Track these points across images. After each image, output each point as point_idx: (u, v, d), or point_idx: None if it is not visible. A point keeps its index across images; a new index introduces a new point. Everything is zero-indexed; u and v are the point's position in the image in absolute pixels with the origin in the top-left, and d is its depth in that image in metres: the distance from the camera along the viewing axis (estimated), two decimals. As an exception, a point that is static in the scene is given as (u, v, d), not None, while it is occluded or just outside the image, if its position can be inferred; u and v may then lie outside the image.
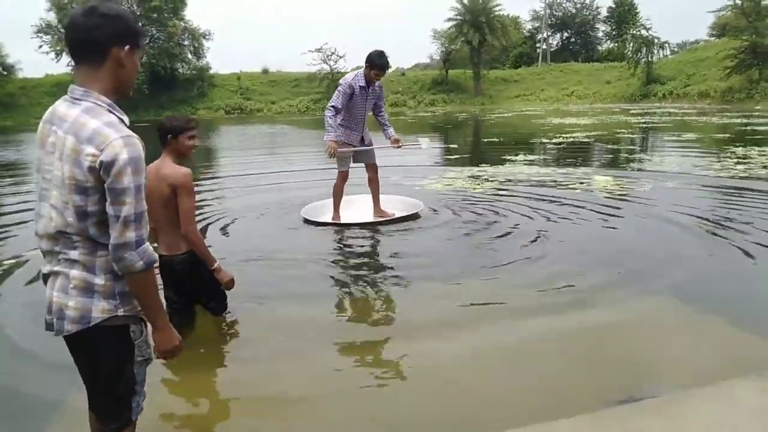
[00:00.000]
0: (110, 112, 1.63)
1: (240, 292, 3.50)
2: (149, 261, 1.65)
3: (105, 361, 1.73)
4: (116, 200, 1.57)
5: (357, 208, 6.22)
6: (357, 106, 5.64)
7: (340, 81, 5.72)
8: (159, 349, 1.81)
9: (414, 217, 6.06)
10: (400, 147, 5.83)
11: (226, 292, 3.41)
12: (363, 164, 5.98)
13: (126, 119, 1.68)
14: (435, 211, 6.41)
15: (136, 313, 1.73)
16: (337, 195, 5.95)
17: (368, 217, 6.01)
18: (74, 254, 1.66)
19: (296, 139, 20.91)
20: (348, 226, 5.77)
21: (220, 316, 3.47)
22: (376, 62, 5.48)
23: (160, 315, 1.75)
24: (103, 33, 1.60)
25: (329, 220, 5.91)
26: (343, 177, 5.87)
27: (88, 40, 1.61)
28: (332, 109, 5.50)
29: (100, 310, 1.67)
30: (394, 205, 6.29)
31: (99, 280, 1.66)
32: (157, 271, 2.59)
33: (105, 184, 1.57)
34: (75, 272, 1.66)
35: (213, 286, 3.31)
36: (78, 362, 1.78)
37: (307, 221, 5.96)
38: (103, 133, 1.56)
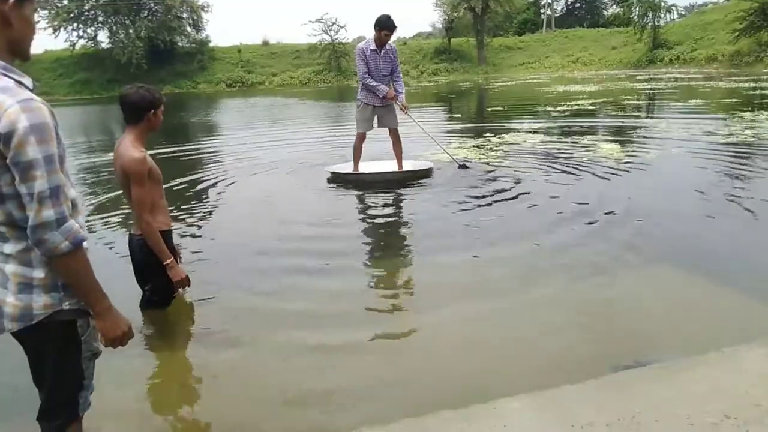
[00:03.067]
0: (5, 75, 1.42)
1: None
2: (76, 240, 1.46)
3: (50, 358, 1.60)
4: (25, 176, 1.37)
5: (377, 167, 6.81)
6: (372, 69, 6.17)
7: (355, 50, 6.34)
8: (105, 338, 1.63)
9: (427, 174, 6.65)
10: (405, 111, 6.34)
11: (182, 289, 3.20)
12: (387, 128, 6.53)
13: (28, 81, 1.47)
14: (440, 175, 6.53)
15: (82, 306, 1.58)
16: (356, 151, 6.57)
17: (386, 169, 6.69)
18: (7, 248, 1.49)
19: (314, 109, 20.73)
20: (367, 177, 6.53)
21: (160, 309, 3.22)
22: (384, 23, 5.99)
23: (99, 299, 1.56)
24: None
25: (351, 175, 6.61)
26: (360, 138, 6.51)
27: None
28: (363, 75, 6.21)
29: (42, 305, 1.52)
30: (407, 166, 6.83)
31: (38, 273, 1.50)
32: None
33: (7, 160, 1.37)
34: (10, 267, 1.50)
35: (160, 279, 3.04)
36: (27, 357, 1.66)
37: (333, 174, 6.70)
38: None
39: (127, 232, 3.30)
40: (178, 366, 2.86)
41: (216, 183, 7.08)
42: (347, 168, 6.77)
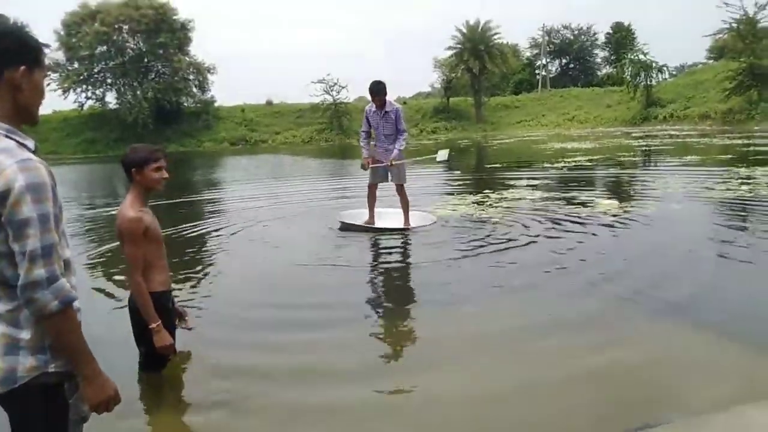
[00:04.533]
0: (8, 137, 1.45)
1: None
2: (65, 299, 1.43)
3: (35, 423, 1.53)
4: (18, 234, 1.37)
5: (385, 220, 7.24)
6: (375, 128, 6.85)
7: None
8: (90, 402, 1.56)
9: (427, 227, 6.91)
10: (391, 164, 6.77)
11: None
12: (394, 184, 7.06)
13: (30, 143, 1.50)
14: (446, 230, 6.63)
15: (69, 369, 1.52)
16: (368, 200, 7.11)
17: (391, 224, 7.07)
18: None
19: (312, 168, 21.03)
20: (372, 230, 6.88)
21: (157, 372, 3.11)
22: (371, 89, 6.66)
23: (87, 362, 1.51)
24: None
25: (362, 223, 7.07)
26: (369, 187, 7.08)
27: None
28: (361, 133, 7.07)
29: (27, 368, 1.47)
30: (413, 219, 7.09)
31: (25, 334, 1.47)
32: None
33: (2, 218, 1.38)
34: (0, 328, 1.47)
35: (149, 341, 2.96)
36: (10, 423, 1.57)
37: (343, 223, 7.11)
38: None
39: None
40: (173, 430, 2.78)
41: (217, 230, 7.11)
42: (358, 216, 7.32)
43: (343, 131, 44.39)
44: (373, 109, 6.78)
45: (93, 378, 1.53)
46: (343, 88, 45.16)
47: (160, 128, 40.10)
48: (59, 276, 1.43)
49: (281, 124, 46.06)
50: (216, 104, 46.71)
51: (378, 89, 6.64)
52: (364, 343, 3.62)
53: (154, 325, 2.91)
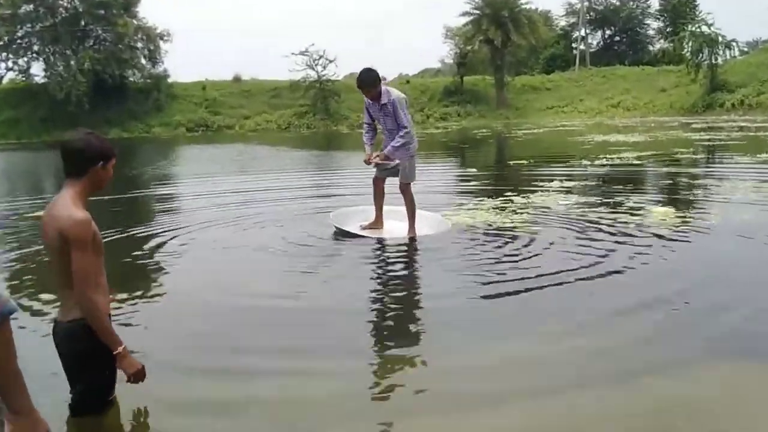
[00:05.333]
0: None
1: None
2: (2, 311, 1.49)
3: None
4: None
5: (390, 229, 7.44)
6: (378, 121, 7.16)
7: None
8: None
9: (437, 237, 7.04)
10: (376, 162, 7.08)
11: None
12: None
13: None
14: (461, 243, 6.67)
15: None
16: (375, 199, 7.38)
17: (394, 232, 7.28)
18: None
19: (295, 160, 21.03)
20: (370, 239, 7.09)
21: (93, 415, 3.10)
22: (357, 81, 6.93)
23: (18, 396, 1.54)
24: None
25: (364, 227, 7.39)
26: (375, 182, 7.35)
27: None
28: (363, 126, 7.38)
29: None
30: (421, 221, 7.34)
31: None
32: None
33: None
34: None
35: (97, 375, 3.00)
36: None
37: (338, 228, 7.30)
38: None
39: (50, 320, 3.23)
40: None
41: (169, 240, 7.09)
42: (353, 216, 7.70)
43: (330, 116, 44.51)
44: (369, 99, 7.04)
45: (24, 415, 1.56)
46: (330, 62, 45.36)
47: (99, 108, 40.10)
48: None
49: (252, 106, 46.11)
50: (170, 80, 46.81)
51: (363, 81, 6.84)
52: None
53: (120, 349, 2.92)
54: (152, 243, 7.34)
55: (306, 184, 13.56)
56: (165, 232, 7.98)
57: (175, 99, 45.53)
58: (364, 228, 7.37)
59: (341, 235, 7.24)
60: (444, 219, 7.76)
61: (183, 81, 47.94)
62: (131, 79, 44.58)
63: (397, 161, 7.04)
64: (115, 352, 2.92)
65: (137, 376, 3.00)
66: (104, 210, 9.68)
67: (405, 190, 7.14)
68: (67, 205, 2.85)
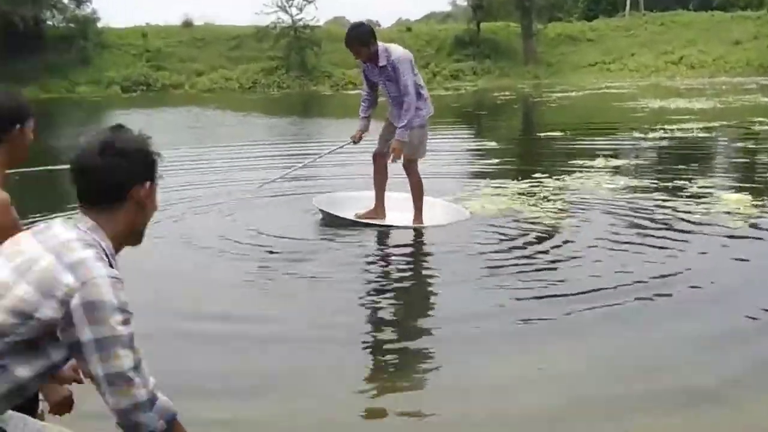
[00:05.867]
0: None
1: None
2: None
3: None
4: None
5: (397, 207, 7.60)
6: (380, 87, 7.28)
7: None
8: None
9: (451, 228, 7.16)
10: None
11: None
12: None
13: None
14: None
15: None
16: (375, 179, 7.46)
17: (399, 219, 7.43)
18: None
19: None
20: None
21: None
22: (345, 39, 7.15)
23: None
24: None
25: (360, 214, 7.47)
26: (375, 159, 7.42)
27: None
28: (362, 94, 7.59)
29: None
30: (433, 209, 7.54)
31: None
32: None
33: None
34: None
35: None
36: None
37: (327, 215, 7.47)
38: None
39: None
40: None
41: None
42: (345, 202, 7.76)
43: (308, 72, 44.35)
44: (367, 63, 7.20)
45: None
46: (309, 2, 45.19)
47: (9, 61, 39.78)
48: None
49: (206, 59, 45.93)
50: (100, 24, 46.59)
51: (351, 40, 7.01)
52: None
53: None
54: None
55: (277, 158, 13.50)
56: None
57: (107, 49, 45.29)
58: (360, 217, 7.39)
59: (329, 224, 7.26)
60: (460, 207, 7.85)
61: (117, 26, 47.80)
62: (49, 23, 44.28)
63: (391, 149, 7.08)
64: None
65: (63, 405, 2.91)
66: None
67: (410, 167, 7.22)
68: None
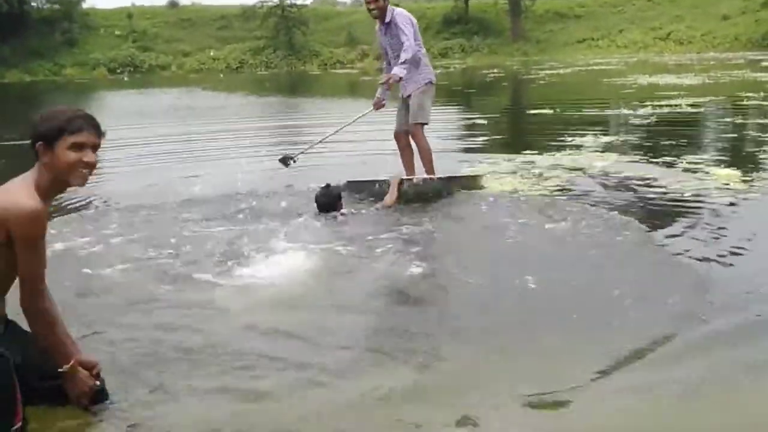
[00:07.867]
0: None
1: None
2: None
3: None
4: None
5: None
6: (387, 52, 7.59)
7: None
8: None
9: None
10: (385, 86, 7.45)
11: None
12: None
13: None
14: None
15: None
16: (402, 158, 7.77)
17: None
18: None
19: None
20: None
21: None
22: None
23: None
24: None
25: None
26: (396, 139, 7.79)
27: None
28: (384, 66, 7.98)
29: None
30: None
31: None
32: None
33: None
34: None
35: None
36: None
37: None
38: None
39: None
40: None
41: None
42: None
43: (296, 52, 44.13)
44: (378, 25, 7.58)
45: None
46: (295, -20, 44.92)
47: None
48: None
49: (193, 40, 45.69)
50: (85, 5, 46.31)
51: None
52: None
53: (68, 366, 2.94)
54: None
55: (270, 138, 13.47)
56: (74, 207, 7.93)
57: (93, 31, 45.06)
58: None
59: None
60: (477, 174, 8.23)
61: (102, 8, 47.62)
62: (33, 4, 43.90)
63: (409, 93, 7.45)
64: (61, 369, 2.94)
65: (83, 399, 3.01)
66: None
67: (416, 133, 7.56)
68: (18, 193, 2.81)
